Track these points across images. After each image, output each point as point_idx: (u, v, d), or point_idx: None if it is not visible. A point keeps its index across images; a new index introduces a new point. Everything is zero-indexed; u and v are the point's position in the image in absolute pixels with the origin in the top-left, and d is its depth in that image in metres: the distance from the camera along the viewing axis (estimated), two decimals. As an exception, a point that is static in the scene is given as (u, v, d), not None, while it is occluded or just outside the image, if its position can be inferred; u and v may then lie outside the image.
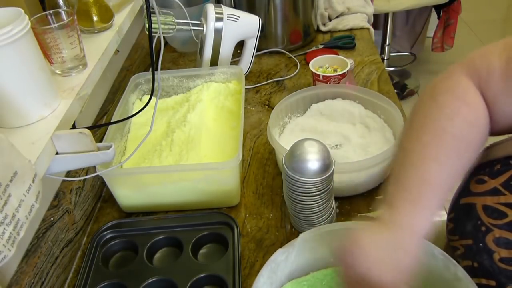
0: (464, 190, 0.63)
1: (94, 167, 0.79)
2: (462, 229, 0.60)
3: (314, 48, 1.33)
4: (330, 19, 1.44)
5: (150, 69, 0.78)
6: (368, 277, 0.52)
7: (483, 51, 0.57)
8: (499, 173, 0.57)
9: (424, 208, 0.53)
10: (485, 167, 0.61)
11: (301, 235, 0.63)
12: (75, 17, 0.73)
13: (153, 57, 0.76)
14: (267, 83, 1.22)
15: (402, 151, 0.57)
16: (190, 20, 1.12)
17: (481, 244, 0.57)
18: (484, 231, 0.57)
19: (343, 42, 1.33)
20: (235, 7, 1.27)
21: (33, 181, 0.54)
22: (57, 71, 0.74)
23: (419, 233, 0.53)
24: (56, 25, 0.70)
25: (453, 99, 0.56)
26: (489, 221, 0.56)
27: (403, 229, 0.53)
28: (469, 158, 0.56)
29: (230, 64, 1.20)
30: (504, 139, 0.62)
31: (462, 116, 0.55)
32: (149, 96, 0.82)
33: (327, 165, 0.68)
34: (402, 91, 2.65)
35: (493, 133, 0.58)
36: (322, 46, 1.34)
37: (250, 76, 1.25)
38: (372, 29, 1.43)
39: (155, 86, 0.78)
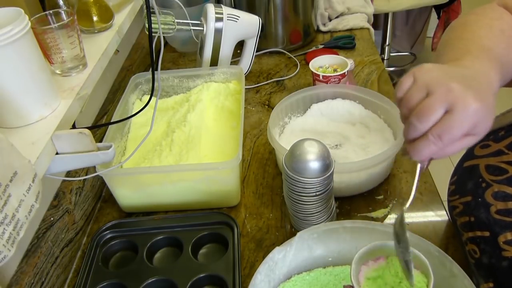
0: (468, 155, 0.64)
1: (94, 167, 0.79)
2: (463, 188, 0.61)
3: (314, 48, 1.33)
4: (330, 19, 1.44)
5: (150, 69, 0.78)
6: (454, 91, 0.46)
7: None
8: (503, 137, 0.59)
9: (490, 63, 0.52)
10: (489, 134, 0.62)
11: (298, 234, 0.63)
12: (75, 17, 0.72)
13: (153, 57, 0.76)
14: (267, 83, 1.22)
15: (443, 46, 0.57)
16: (190, 20, 1.12)
17: (479, 199, 0.57)
18: (484, 187, 0.57)
19: (343, 42, 1.33)
20: (235, 7, 1.27)
21: (33, 181, 0.54)
22: (57, 71, 0.74)
23: (493, 72, 0.51)
24: (56, 25, 0.70)
25: (492, 10, 0.59)
26: (490, 178, 0.57)
27: (473, 65, 0.52)
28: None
29: (230, 64, 1.20)
30: (510, 109, 0.64)
31: (506, 19, 0.57)
32: (149, 96, 0.82)
33: (327, 165, 0.68)
34: (402, 91, 2.65)
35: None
36: (322, 46, 1.34)
37: (250, 76, 1.25)
38: (372, 29, 1.43)
39: (155, 86, 0.78)
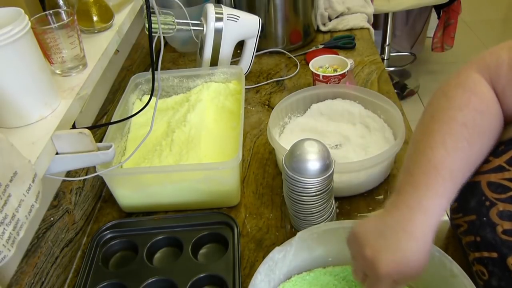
0: None
1: (94, 167, 0.79)
2: (466, 206, 0.60)
3: (314, 48, 1.33)
4: (330, 19, 1.44)
5: (150, 69, 0.78)
6: (367, 261, 0.53)
7: (493, 48, 0.59)
8: (503, 152, 0.58)
9: (428, 192, 0.53)
10: None
11: (298, 234, 0.63)
12: (75, 17, 0.73)
13: (153, 57, 0.76)
14: (267, 83, 1.22)
15: (412, 143, 0.59)
16: (190, 20, 1.12)
17: (484, 218, 0.57)
18: (488, 205, 0.56)
19: (343, 42, 1.33)
20: (235, 7, 1.27)
21: (33, 181, 0.54)
22: (57, 71, 0.75)
23: (422, 213, 0.52)
24: (56, 25, 0.70)
25: (463, 91, 0.58)
26: (493, 196, 0.56)
27: (401, 210, 0.53)
28: (483, 146, 0.57)
29: (230, 64, 1.20)
30: (509, 124, 0.63)
31: (472, 106, 0.56)
32: (149, 96, 0.82)
33: (327, 165, 0.68)
34: (402, 91, 2.65)
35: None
36: (322, 46, 1.34)
37: (250, 76, 1.25)
38: (372, 29, 1.43)
39: (155, 86, 0.78)
